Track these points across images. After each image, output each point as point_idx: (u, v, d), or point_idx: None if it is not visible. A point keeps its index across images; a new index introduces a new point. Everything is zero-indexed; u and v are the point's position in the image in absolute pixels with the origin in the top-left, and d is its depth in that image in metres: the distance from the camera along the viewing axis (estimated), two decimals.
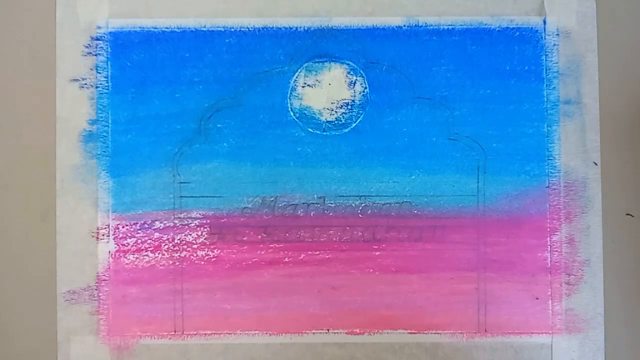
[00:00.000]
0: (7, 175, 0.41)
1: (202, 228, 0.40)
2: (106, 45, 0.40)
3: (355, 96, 0.40)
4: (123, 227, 0.40)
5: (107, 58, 0.40)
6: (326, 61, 0.41)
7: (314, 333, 0.40)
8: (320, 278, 0.40)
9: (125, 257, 0.40)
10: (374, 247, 0.40)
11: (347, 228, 0.40)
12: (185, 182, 0.40)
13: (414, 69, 0.40)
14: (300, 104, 0.40)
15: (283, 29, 0.40)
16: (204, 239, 0.40)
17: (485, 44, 0.40)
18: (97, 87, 0.40)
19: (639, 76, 0.41)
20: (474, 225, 0.40)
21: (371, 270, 0.40)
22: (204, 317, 0.40)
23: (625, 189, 0.41)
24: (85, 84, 0.40)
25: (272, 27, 0.40)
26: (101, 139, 0.40)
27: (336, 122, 0.40)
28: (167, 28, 0.40)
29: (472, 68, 0.40)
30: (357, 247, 0.40)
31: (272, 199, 0.40)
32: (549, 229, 0.40)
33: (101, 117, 0.40)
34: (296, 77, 0.40)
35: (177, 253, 0.40)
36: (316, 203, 0.40)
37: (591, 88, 0.40)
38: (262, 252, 0.40)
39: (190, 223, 0.40)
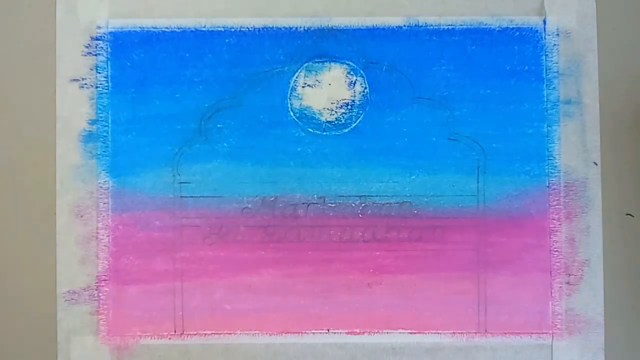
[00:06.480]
0: (7, 175, 0.41)
1: (202, 228, 0.40)
2: (106, 45, 0.40)
3: (355, 96, 0.40)
4: (123, 227, 0.40)
5: (107, 58, 0.40)
6: (326, 61, 0.41)
7: (314, 333, 0.40)
8: (320, 278, 0.40)
9: (125, 257, 0.40)
10: (374, 247, 0.40)
11: (347, 228, 0.40)
12: (185, 182, 0.40)
13: (414, 69, 0.40)
14: (300, 104, 0.40)
15: (283, 29, 0.40)
16: (204, 238, 0.40)
17: (485, 44, 0.40)
18: (97, 87, 0.40)
19: (639, 76, 0.41)
20: (474, 225, 0.40)
21: (371, 270, 0.40)
22: (204, 317, 0.40)
23: (625, 189, 0.41)
24: (85, 84, 0.40)
25: (272, 27, 0.40)
26: (101, 139, 0.40)
27: (336, 122, 0.40)
28: (167, 28, 0.40)
29: (472, 68, 0.40)
30: (357, 247, 0.40)
31: (272, 199, 0.40)
32: (549, 229, 0.40)
33: (101, 117, 0.40)
34: (296, 77, 0.40)
35: (177, 253, 0.40)
36: (316, 203, 0.40)
37: (591, 88, 0.40)
38: (262, 252, 0.40)
39: (191, 223, 0.40)
